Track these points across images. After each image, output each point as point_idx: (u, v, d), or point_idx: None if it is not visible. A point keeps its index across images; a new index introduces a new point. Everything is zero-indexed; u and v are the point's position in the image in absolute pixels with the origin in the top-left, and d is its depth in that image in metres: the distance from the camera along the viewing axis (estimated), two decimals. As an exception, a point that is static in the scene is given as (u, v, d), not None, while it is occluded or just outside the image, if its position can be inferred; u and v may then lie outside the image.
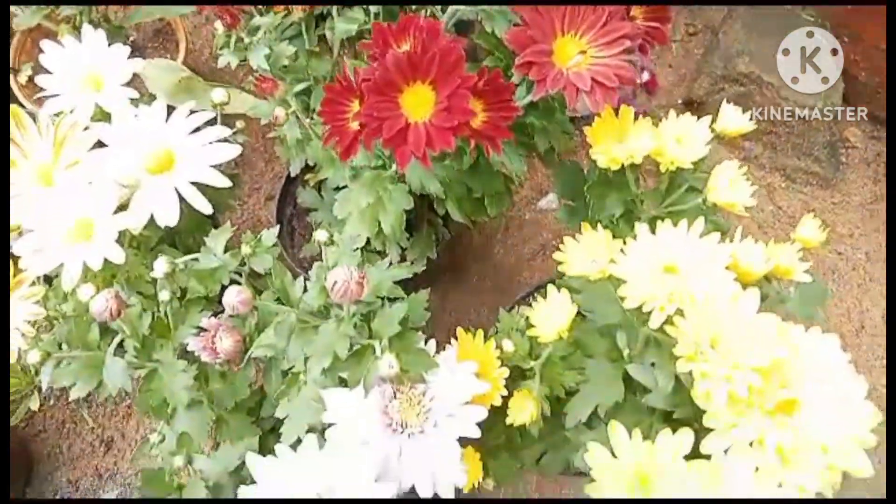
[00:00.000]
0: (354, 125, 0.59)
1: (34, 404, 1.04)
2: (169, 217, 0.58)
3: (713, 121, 0.63)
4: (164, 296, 0.60)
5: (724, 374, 0.45)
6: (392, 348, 0.53)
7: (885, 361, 1.10)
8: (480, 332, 0.61)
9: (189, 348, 0.55)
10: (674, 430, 0.47)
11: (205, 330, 0.55)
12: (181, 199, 0.59)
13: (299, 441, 0.53)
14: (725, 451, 0.46)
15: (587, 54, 0.57)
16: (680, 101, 1.32)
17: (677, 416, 0.50)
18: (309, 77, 0.78)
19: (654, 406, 0.52)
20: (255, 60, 0.72)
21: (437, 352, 0.58)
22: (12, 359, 0.58)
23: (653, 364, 0.52)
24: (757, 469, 0.45)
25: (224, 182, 0.60)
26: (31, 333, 0.57)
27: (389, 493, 0.50)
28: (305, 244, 0.96)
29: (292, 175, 0.95)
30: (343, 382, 0.56)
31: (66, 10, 0.92)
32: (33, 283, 0.59)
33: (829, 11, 1.21)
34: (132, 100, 0.66)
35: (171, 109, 0.63)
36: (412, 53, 0.54)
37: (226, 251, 0.63)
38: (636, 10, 0.64)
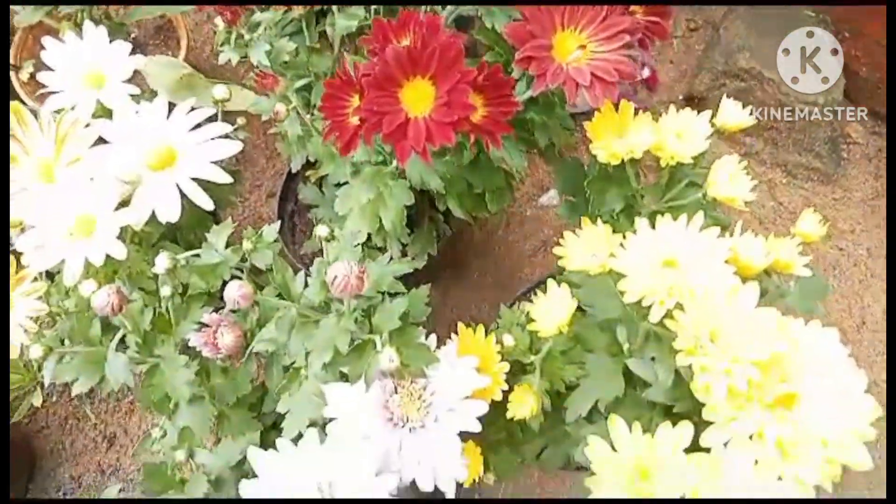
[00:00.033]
0: (354, 120, 0.59)
1: (37, 400, 1.05)
2: (170, 213, 0.59)
3: (713, 116, 0.63)
4: (165, 291, 0.60)
5: (723, 368, 0.45)
6: (393, 343, 0.54)
7: (885, 357, 1.10)
8: (481, 327, 0.61)
9: (191, 344, 0.56)
10: (674, 424, 0.47)
11: (206, 325, 0.56)
12: (182, 195, 0.59)
13: (301, 436, 0.53)
14: (725, 445, 0.46)
15: (587, 49, 0.57)
16: (681, 97, 1.31)
17: (677, 409, 0.50)
18: (310, 73, 0.78)
19: (654, 400, 0.52)
20: (256, 57, 0.72)
21: (438, 347, 0.58)
22: (15, 355, 0.58)
23: (653, 358, 0.52)
24: (756, 462, 0.45)
25: (225, 178, 0.60)
26: (34, 329, 0.58)
27: (390, 487, 0.50)
28: (307, 240, 0.96)
29: (293, 171, 0.95)
30: (344, 377, 0.56)
31: (68, 8, 0.92)
32: (35, 280, 0.59)
33: (829, 7, 1.21)
34: (133, 96, 0.66)
35: (172, 106, 0.63)
36: (412, 48, 0.54)
37: (227, 247, 0.63)
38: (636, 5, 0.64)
